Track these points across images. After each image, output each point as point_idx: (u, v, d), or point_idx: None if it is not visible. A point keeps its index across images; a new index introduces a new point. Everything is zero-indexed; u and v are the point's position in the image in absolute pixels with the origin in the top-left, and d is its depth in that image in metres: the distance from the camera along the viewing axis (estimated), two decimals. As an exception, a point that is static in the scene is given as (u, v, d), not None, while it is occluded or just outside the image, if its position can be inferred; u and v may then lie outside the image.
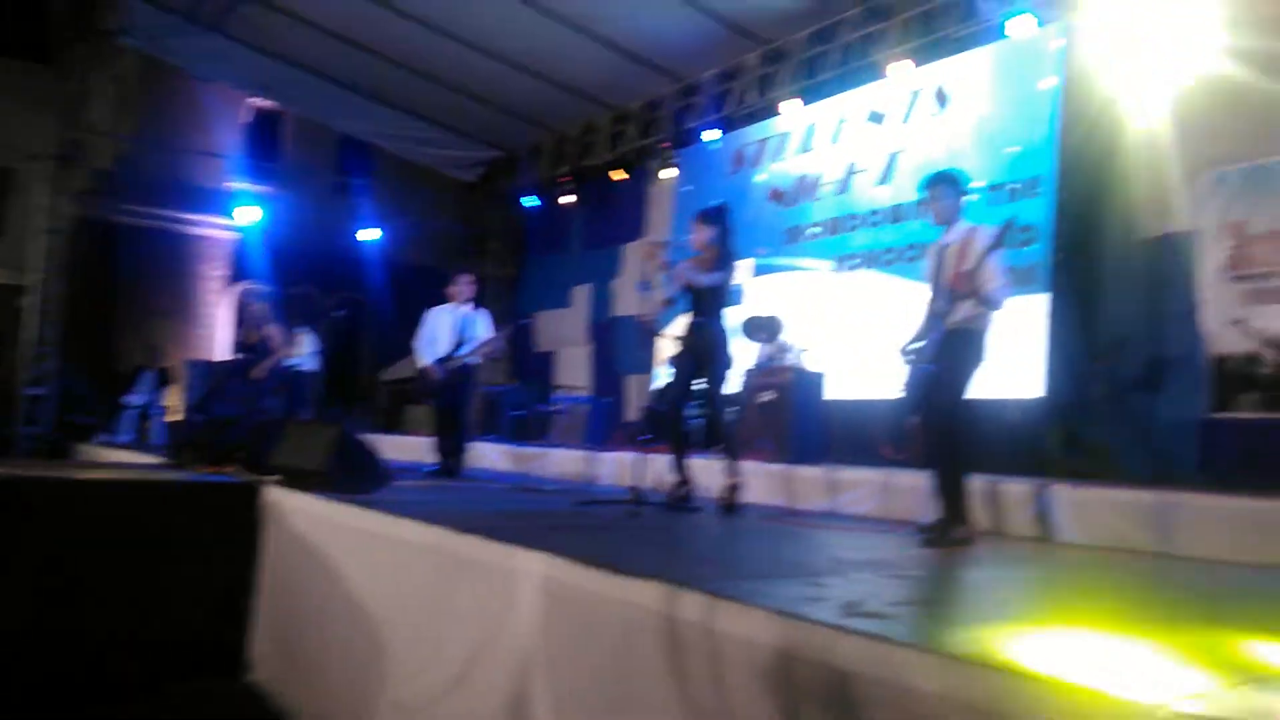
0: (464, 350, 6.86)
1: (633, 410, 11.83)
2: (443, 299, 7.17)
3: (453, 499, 5.09)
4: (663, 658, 2.38)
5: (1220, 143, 7.20)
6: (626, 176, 12.96)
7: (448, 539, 3.39)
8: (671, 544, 3.60)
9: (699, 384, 5.04)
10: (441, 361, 6.88)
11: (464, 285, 7.04)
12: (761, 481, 5.41)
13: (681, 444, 5.06)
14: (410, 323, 17.32)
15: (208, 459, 5.84)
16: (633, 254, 12.95)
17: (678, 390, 5.12)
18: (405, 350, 17.06)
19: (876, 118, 9.26)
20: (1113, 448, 7.09)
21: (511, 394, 11.67)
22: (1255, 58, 6.97)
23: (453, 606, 3.27)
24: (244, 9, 11.37)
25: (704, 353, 4.97)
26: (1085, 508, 4.50)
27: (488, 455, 9.10)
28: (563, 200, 13.95)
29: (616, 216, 13.37)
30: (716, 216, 5.30)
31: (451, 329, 6.94)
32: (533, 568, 2.95)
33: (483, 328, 7.02)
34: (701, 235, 5.21)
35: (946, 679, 1.76)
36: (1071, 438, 7.56)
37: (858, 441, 7.43)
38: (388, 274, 16.89)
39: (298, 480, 4.84)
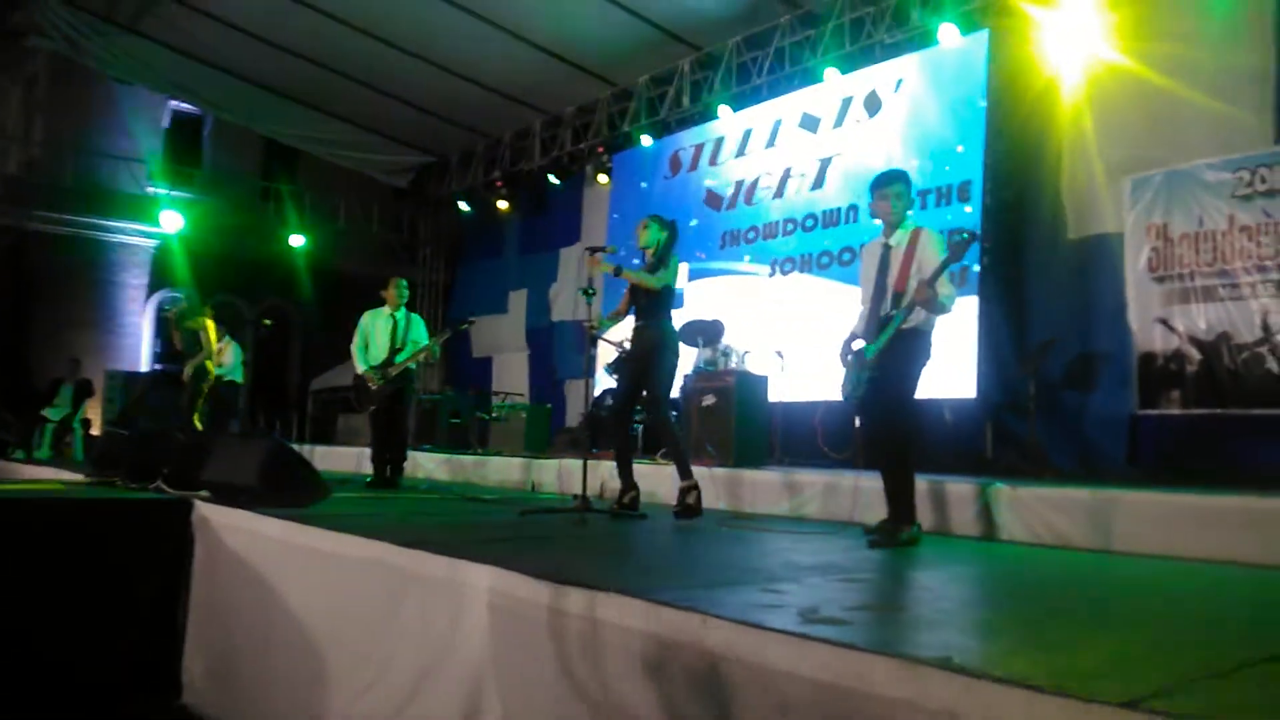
0: (402, 356, 6.70)
1: (573, 416, 11.76)
2: (378, 303, 7.00)
3: (393, 511, 4.97)
4: (619, 669, 2.33)
5: (1140, 148, 7.43)
6: (560, 181, 12.89)
7: (391, 553, 3.30)
8: (621, 552, 3.55)
9: (643, 389, 4.96)
10: (379, 368, 6.69)
11: (396, 288, 6.87)
12: (706, 486, 5.38)
13: (626, 450, 5.00)
14: (340, 331, 17.00)
15: (132, 475, 5.60)
16: (569, 258, 12.89)
17: (623, 395, 5.06)
18: (335, 359, 16.80)
19: (810, 123, 9.35)
20: (1044, 444, 7.25)
21: (448, 401, 11.50)
22: (1169, 65, 7.22)
23: (399, 622, 3.17)
24: (161, 9, 11.04)
25: (648, 356, 4.88)
26: (1023, 506, 4.58)
27: (425, 465, 8.94)
28: (498, 205, 13.82)
29: (552, 221, 13.30)
30: (666, 222, 5.29)
31: (387, 333, 6.76)
32: (480, 581, 2.88)
33: (419, 332, 6.87)
34: (647, 236, 5.19)
35: (913, 685, 1.75)
36: (1003, 435, 7.72)
37: (801, 443, 7.48)
38: (316, 281, 16.54)
39: (229, 495, 4.67)
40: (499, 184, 13.70)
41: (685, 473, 4.69)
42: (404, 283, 7.08)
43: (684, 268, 6.93)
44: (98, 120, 16.46)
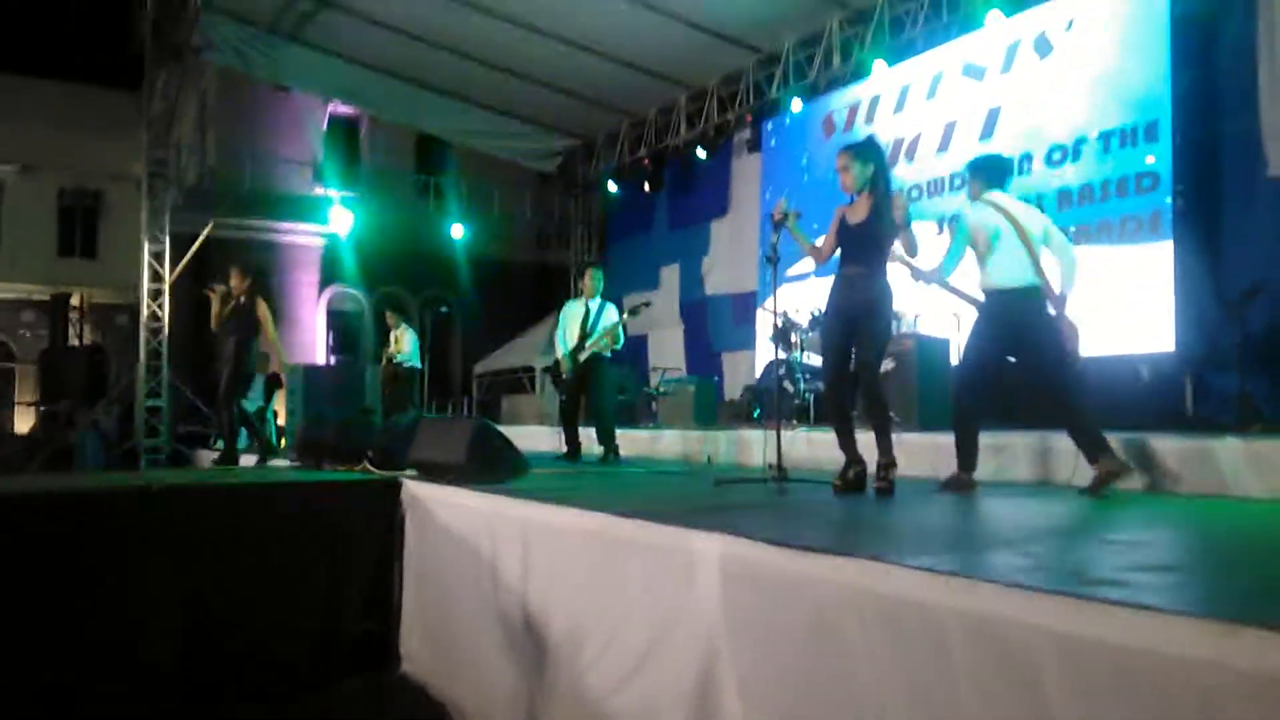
0: (590, 340, 6.96)
1: (733, 388, 11.73)
2: (577, 293, 7.40)
3: (591, 484, 5.06)
4: (867, 636, 2.29)
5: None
6: (707, 154, 12.82)
7: (613, 524, 3.34)
8: (839, 520, 3.50)
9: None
10: (571, 354, 7.03)
11: (587, 279, 7.21)
12: (899, 453, 5.26)
13: (846, 418, 4.45)
14: (499, 317, 17.61)
15: (338, 458, 5.92)
16: (720, 231, 12.84)
17: (834, 356, 4.46)
18: (496, 343, 17.36)
19: (974, 71, 8.95)
20: (1253, 398, 6.74)
21: (613, 378, 11.68)
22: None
23: (624, 593, 3.22)
24: (322, 17, 11.52)
25: (865, 310, 4.31)
26: (1259, 459, 4.26)
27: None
28: (645, 184, 13.88)
29: (701, 194, 13.26)
30: (870, 150, 4.48)
31: (579, 321, 7.07)
32: (710, 548, 2.88)
33: (611, 318, 7.12)
34: (852, 174, 4.38)
35: (1221, 645, 1.64)
36: (1205, 390, 7.23)
37: (985, 406, 7.22)
38: (474, 270, 17.10)
39: (437, 473, 4.87)
40: (646, 162, 13.74)
41: (887, 449, 4.34)
42: (599, 272, 7.45)
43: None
44: (264, 128, 17.44)
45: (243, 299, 7.47)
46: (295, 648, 4.78)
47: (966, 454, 4.63)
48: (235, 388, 7.33)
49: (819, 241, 4.67)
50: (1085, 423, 4.32)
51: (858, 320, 4.32)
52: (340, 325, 17.86)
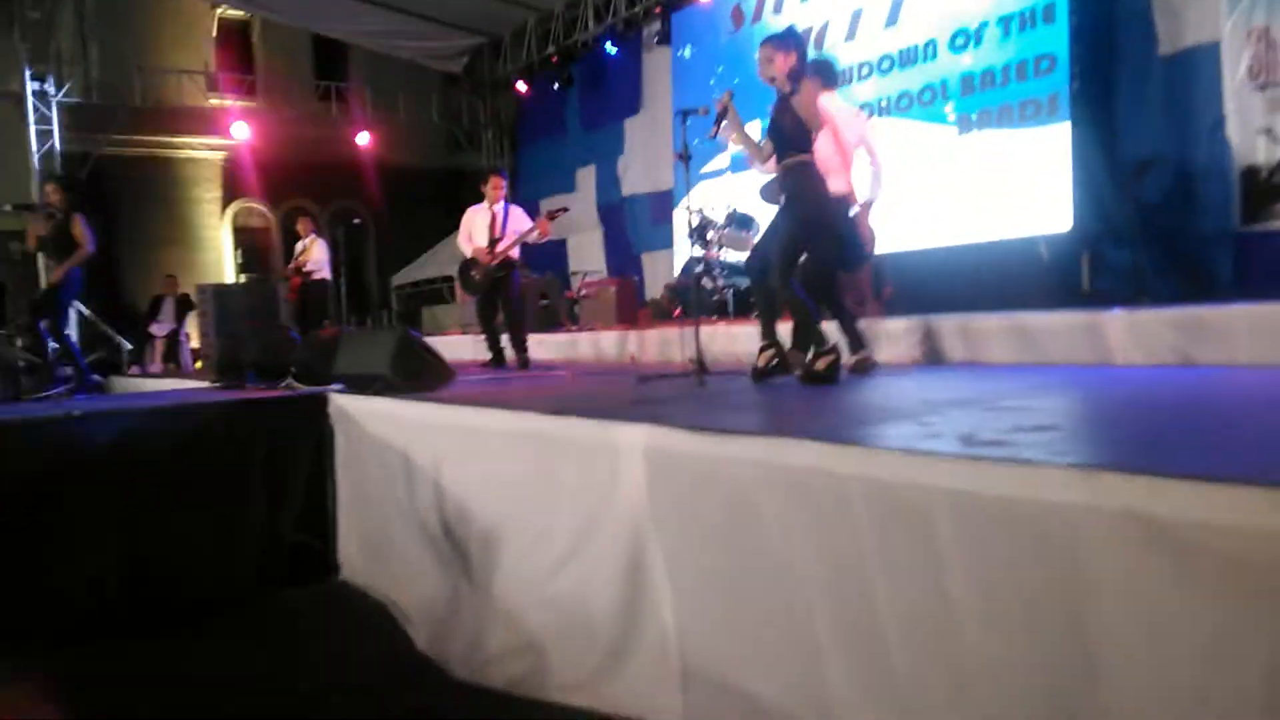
0: (504, 243, 6.91)
1: (654, 288, 11.85)
2: (478, 199, 7.25)
3: (520, 387, 5.16)
4: (782, 508, 2.47)
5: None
6: (617, 49, 12.62)
7: (541, 423, 3.46)
8: (756, 406, 3.67)
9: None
10: (487, 251, 6.98)
11: (496, 186, 7.08)
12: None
13: (772, 310, 4.62)
14: (412, 226, 17.29)
15: (261, 376, 5.90)
16: (633, 129, 12.74)
17: (770, 245, 4.54)
18: (412, 254, 17.11)
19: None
20: (1145, 270, 7.12)
21: (534, 284, 11.69)
22: None
23: (554, 486, 3.35)
24: (204, -88, 10.89)
25: (800, 197, 4.39)
26: (1141, 329, 4.57)
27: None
28: (555, 82, 13.63)
29: (612, 92, 13.08)
30: (793, 39, 4.47)
31: (485, 226, 6.98)
32: (634, 438, 3.01)
33: (520, 222, 7.05)
34: (780, 64, 4.35)
35: (1090, 488, 1.83)
36: (1102, 265, 7.59)
37: (898, 292, 7.49)
38: (383, 178, 16.67)
39: (362, 386, 4.91)
40: (554, 59, 13.47)
41: (821, 339, 4.43)
42: (502, 179, 7.27)
43: (755, 124, 6.77)
44: (150, 37, 16.51)
45: (59, 215, 6.94)
46: (234, 563, 4.85)
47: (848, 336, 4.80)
48: (57, 311, 6.83)
49: (762, 141, 4.72)
50: (845, 313, 4.60)
51: (795, 207, 4.41)
52: (248, 242, 17.35)
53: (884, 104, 8.88)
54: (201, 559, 4.78)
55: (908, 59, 8.68)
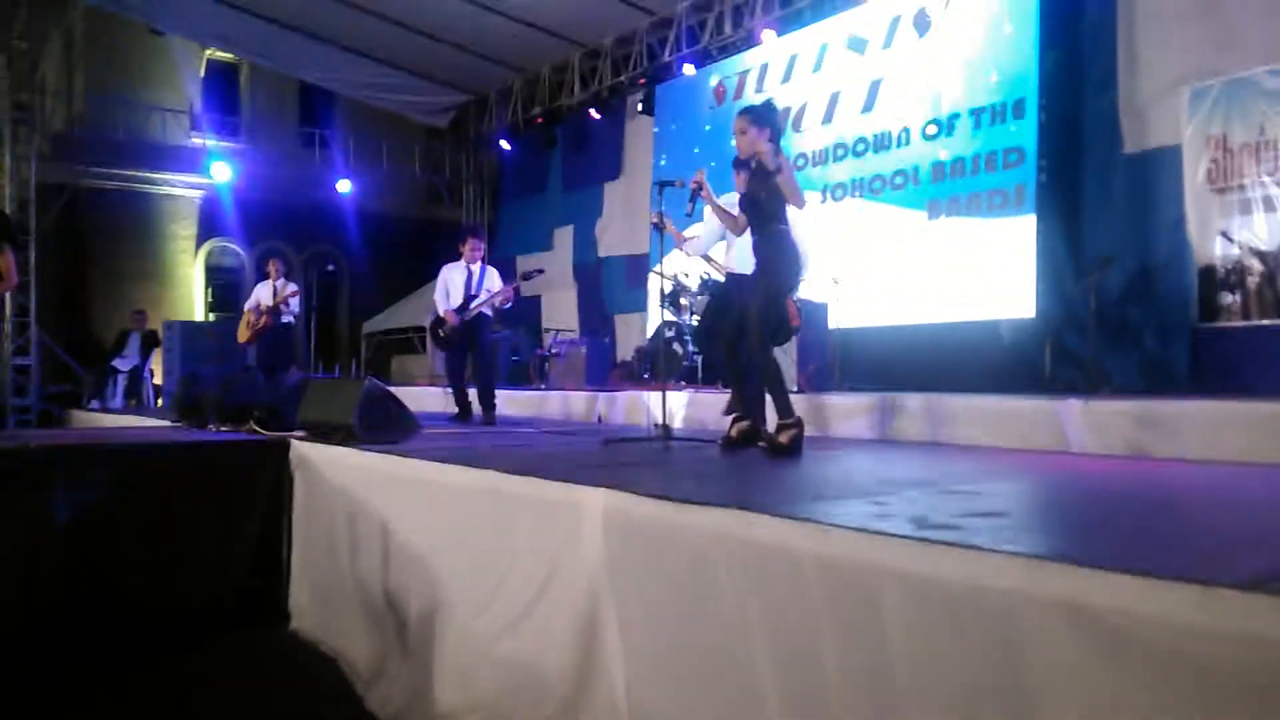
0: (476, 301, 6.99)
1: (626, 349, 11.93)
2: (455, 256, 7.36)
3: (482, 443, 5.17)
4: (737, 579, 2.50)
5: (1197, 56, 7.32)
6: (601, 115, 12.87)
7: (501, 480, 3.48)
8: (717, 475, 3.71)
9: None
10: (458, 311, 7.05)
11: (474, 247, 7.20)
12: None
13: (740, 379, 4.71)
14: (387, 275, 17.30)
15: (223, 418, 5.86)
16: (613, 193, 12.94)
17: (734, 318, 4.65)
18: (384, 303, 17.09)
19: (857, 45, 9.26)
20: (1104, 361, 7.30)
21: (507, 340, 11.72)
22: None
23: (512, 545, 3.36)
24: (201, -42, 11.07)
25: (775, 266, 4.48)
26: (1096, 418, 4.68)
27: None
28: (538, 143, 13.85)
29: (594, 156, 13.31)
30: (768, 114, 4.58)
31: (465, 284, 7.09)
32: (594, 501, 3.04)
33: (493, 281, 7.16)
34: (751, 137, 4.46)
35: (1031, 576, 1.89)
36: (1063, 354, 7.77)
37: (861, 368, 7.61)
38: (361, 226, 16.73)
39: (325, 434, 4.89)
40: (539, 120, 13.70)
41: (786, 409, 4.46)
42: (480, 242, 7.39)
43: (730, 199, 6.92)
44: (137, 73, 16.56)
45: None
46: (181, 605, 4.78)
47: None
48: None
49: (736, 212, 4.82)
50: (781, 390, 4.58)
51: (755, 282, 4.49)
52: (220, 281, 17.28)
53: (857, 185, 9.11)
54: (147, 600, 4.71)
55: (882, 144, 8.94)
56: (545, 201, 14.42)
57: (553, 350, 10.63)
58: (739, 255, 5.24)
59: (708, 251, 5.86)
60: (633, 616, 2.87)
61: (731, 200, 4.99)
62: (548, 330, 12.75)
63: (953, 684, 1.98)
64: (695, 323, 8.39)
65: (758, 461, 4.15)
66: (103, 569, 4.58)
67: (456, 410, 7.27)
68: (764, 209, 4.52)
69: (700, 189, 4.73)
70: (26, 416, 11.20)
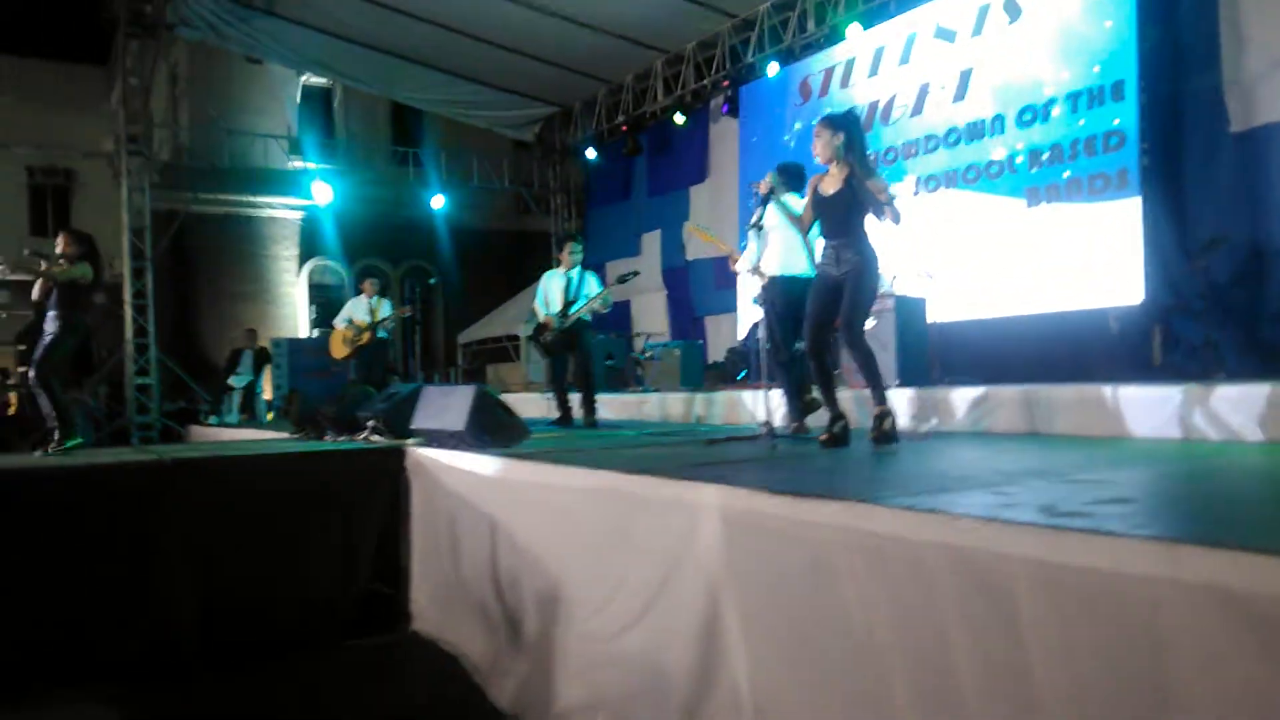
0: (576, 307, 7.13)
1: (716, 351, 11.96)
2: (555, 263, 7.53)
3: (590, 446, 5.27)
4: (859, 571, 2.52)
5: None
6: (685, 119, 12.94)
7: (617, 480, 3.56)
8: (829, 469, 3.73)
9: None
10: (559, 317, 7.19)
11: (570, 252, 7.36)
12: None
13: (829, 377, 4.77)
14: (480, 286, 17.68)
15: (340, 428, 6.10)
16: (699, 196, 12.99)
17: (816, 321, 4.67)
18: (479, 313, 17.49)
19: (946, 34, 9.12)
20: (1219, 346, 7.04)
21: (602, 345, 11.87)
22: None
23: (630, 544, 3.43)
24: (296, -12, 11.51)
25: (846, 278, 4.50)
26: (1216, 405, 4.54)
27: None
28: (624, 149, 13.99)
29: (679, 160, 13.39)
30: (842, 121, 4.64)
31: (561, 290, 7.23)
32: (710, 499, 3.09)
33: (592, 287, 7.28)
34: (832, 143, 4.54)
35: (1173, 563, 1.87)
36: (1173, 339, 7.52)
37: (960, 361, 7.50)
38: (454, 239, 17.17)
39: (439, 440, 5.06)
40: (623, 128, 13.84)
41: (881, 399, 4.52)
42: (578, 246, 7.55)
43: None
44: (237, 101, 17.31)
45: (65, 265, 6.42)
46: (308, 610, 5.00)
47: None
48: (56, 366, 6.16)
49: (802, 212, 4.84)
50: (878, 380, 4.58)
51: (841, 288, 4.50)
52: (322, 299, 17.93)
53: (950, 176, 8.97)
54: (277, 603, 4.94)
55: (975, 132, 8.79)
56: (631, 208, 14.55)
57: (647, 354, 10.73)
58: (776, 258, 5.52)
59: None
60: (753, 612, 2.91)
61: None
62: (638, 334, 12.87)
63: (1090, 673, 1.97)
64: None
65: (866, 457, 4.16)
66: (235, 577, 4.81)
67: (558, 415, 7.41)
68: (841, 213, 4.55)
69: (771, 194, 4.83)
70: (149, 433, 11.79)
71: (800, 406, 5.50)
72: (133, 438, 11.59)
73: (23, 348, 12.45)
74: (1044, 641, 2.05)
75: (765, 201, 4.82)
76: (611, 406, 8.18)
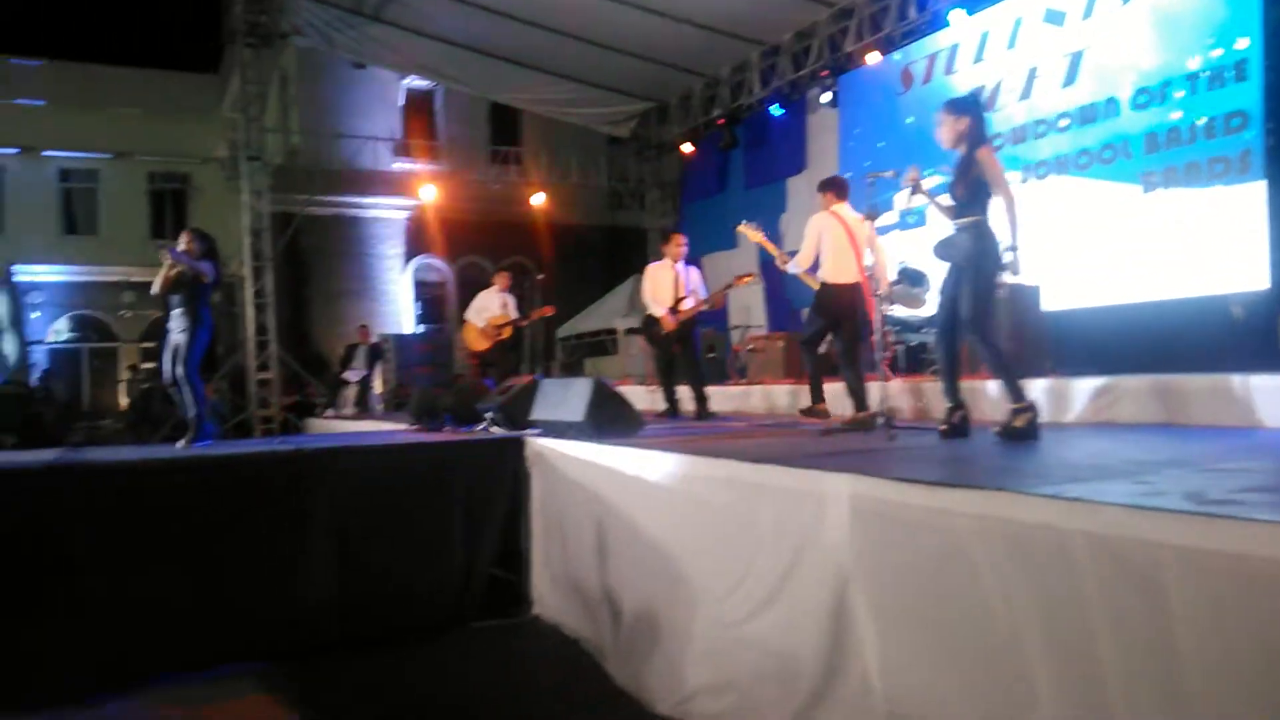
0: (688, 304, 7.23)
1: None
2: (657, 255, 7.63)
3: (703, 437, 5.36)
4: (998, 559, 2.53)
5: None
6: (782, 111, 12.90)
7: (739, 469, 3.64)
8: (957, 459, 3.74)
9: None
10: (671, 311, 7.30)
11: (677, 244, 7.44)
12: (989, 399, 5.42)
13: (954, 367, 4.65)
14: (578, 281, 17.94)
15: (459, 420, 6.32)
16: (797, 188, 12.94)
17: (945, 307, 4.60)
18: (577, 307, 17.75)
19: (1055, 17, 8.91)
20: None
21: (704, 337, 11.95)
22: None
23: (755, 531, 3.50)
24: (403, -5, 11.87)
25: (964, 262, 4.43)
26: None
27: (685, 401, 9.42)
28: (720, 143, 14.02)
29: (776, 152, 13.35)
30: (969, 105, 4.63)
31: (669, 283, 7.33)
32: (839, 487, 3.13)
33: (695, 279, 7.37)
34: (955, 128, 4.49)
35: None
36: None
37: (1075, 351, 7.33)
38: (552, 235, 17.47)
39: (558, 431, 5.21)
40: (720, 121, 13.87)
41: (1016, 394, 4.35)
42: (681, 238, 7.62)
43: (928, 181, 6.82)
44: (344, 106, 17.91)
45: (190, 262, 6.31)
46: (434, 593, 5.20)
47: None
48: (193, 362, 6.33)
49: (945, 201, 4.80)
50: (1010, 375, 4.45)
51: (963, 272, 4.46)
52: (426, 295, 18.46)
53: (1060, 162, 8.76)
54: (405, 586, 5.16)
55: (1086, 116, 8.56)
56: (728, 201, 14.56)
57: (749, 346, 10.76)
58: (831, 267, 6.05)
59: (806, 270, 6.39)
60: (884, 600, 2.95)
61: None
62: (735, 326, 12.89)
63: (1244, 662, 1.96)
64: (894, 312, 8.32)
65: (992, 447, 4.13)
66: (367, 562, 5.04)
67: (665, 408, 7.52)
68: (963, 199, 4.50)
69: (917, 183, 4.77)
70: (269, 425, 12.35)
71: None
72: (255, 431, 12.15)
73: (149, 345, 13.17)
74: (1195, 630, 2.05)
75: (914, 191, 4.79)
76: (715, 399, 8.23)
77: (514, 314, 9.93)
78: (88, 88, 22.36)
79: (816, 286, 6.15)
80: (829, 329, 6.20)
